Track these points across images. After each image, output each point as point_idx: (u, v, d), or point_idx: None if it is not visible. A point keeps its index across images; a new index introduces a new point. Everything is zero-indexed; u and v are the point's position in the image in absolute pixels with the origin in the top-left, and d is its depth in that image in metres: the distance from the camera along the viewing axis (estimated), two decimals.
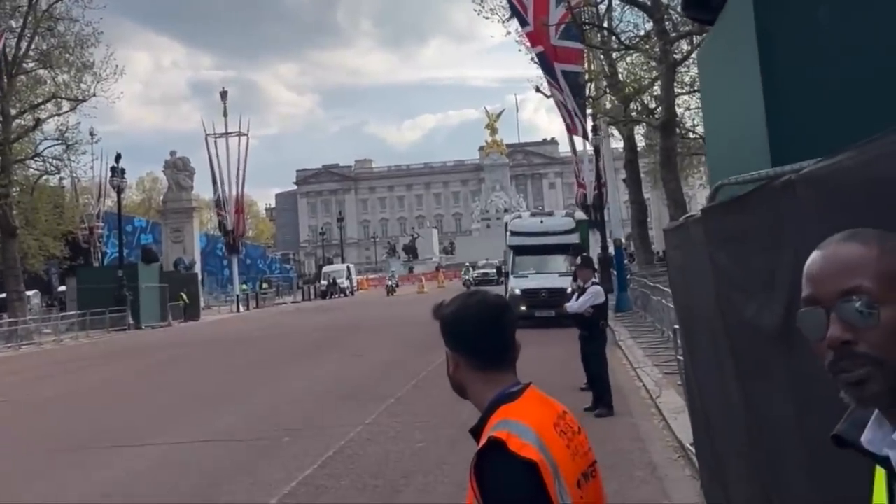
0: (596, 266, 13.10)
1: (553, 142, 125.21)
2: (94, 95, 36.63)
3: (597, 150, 32.39)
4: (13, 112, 35.45)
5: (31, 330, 32.25)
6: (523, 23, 25.81)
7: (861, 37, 3.09)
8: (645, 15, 26.33)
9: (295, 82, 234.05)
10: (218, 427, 10.76)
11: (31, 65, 36.70)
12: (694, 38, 23.11)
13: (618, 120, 31.98)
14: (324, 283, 64.43)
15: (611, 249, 29.65)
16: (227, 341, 26.45)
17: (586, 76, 28.27)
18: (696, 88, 26.45)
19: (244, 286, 55.69)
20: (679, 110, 29.15)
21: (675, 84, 26.05)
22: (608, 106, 32.41)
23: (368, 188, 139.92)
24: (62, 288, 44.63)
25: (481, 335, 1.90)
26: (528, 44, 28.08)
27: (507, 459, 1.70)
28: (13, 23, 35.64)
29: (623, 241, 33.95)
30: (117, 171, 38.70)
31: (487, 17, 33.82)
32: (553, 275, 22.32)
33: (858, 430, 1.19)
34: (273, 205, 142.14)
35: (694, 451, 6.14)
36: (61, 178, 43.55)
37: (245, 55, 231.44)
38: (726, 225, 3.20)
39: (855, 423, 1.20)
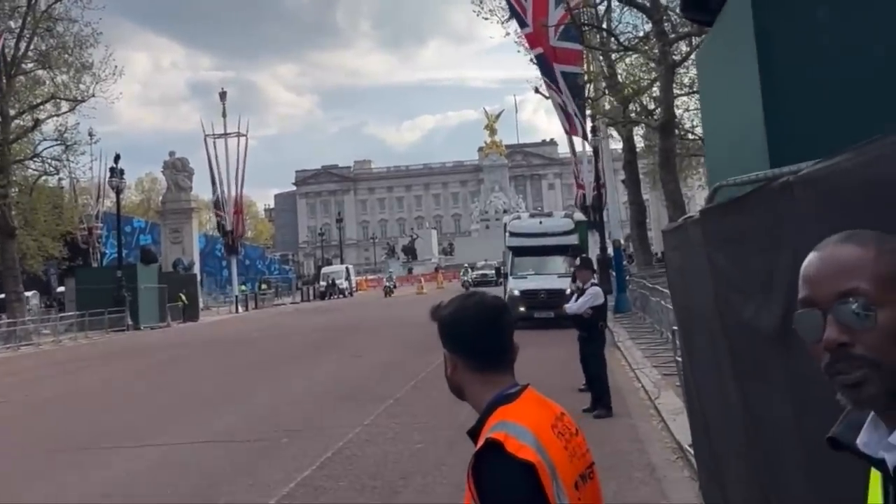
0: (595, 267, 13.09)
1: (552, 143, 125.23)
2: (93, 96, 36.68)
3: (596, 152, 32.38)
4: (12, 113, 35.41)
5: (29, 331, 32.21)
6: (522, 24, 25.81)
7: (860, 38, 3.09)
8: (644, 16, 26.34)
9: (294, 83, 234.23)
10: (217, 428, 10.76)
11: (30, 65, 36.67)
12: (693, 40, 23.11)
13: (617, 121, 31.97)
14: (323, 283, 64.41)
15: (610, 250, 29.67)
16: (226, 342, 26.44)
17: (585, 77, 28.27)
18: (695, 89, 26.46)
19: (243, 287, 55.69)
20: (678, 111, 29.16)
21: (674, 85, 26.07)
22: (607, 107, 32.42)
23: (367, 189, 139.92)
24: (61, 288, 44.60)
25: (479, 337, 1.90)
26: (528, 45, 28.08)
27: (504, 461, 1.70)
28: (12, 23, 35.65)
29: (622, 242, 33.96)
30: (116, 172, 38.68)
31: (486, 18, 33.82)
32: (552, 276, 22.32)
33: (854, 432, 1.18)
34: (272, 205, 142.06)
35: (692, 452, 6.14)
36: (60, 179, 43.54)
37: (244, 56, 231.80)
38: (725, 226, 3.20)
39: (851, 426, 1.20)
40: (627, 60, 31.66)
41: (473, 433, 1.86)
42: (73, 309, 35.99)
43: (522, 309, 21.12)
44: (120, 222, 42.06)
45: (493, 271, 54.27)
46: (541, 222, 26.15)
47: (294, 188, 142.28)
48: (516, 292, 22.65)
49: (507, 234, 25.92)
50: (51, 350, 28.74)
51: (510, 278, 24.61)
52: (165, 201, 59.60)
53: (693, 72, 24.58)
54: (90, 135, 41.76)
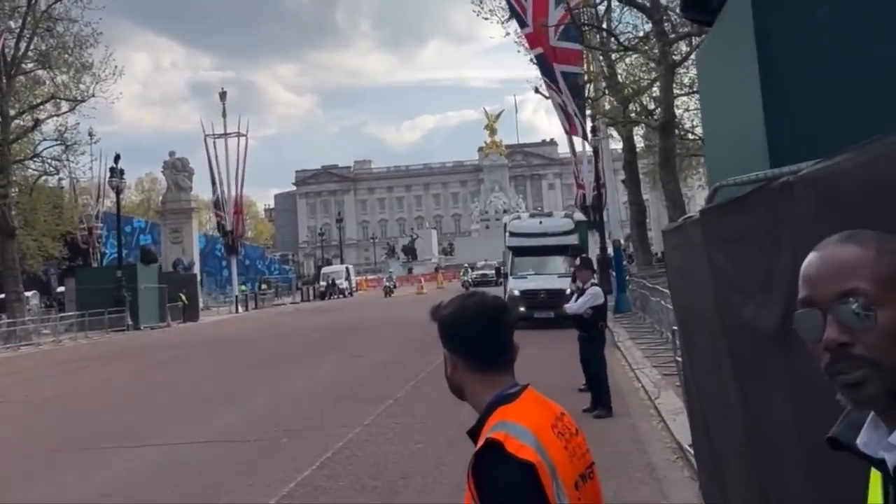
0: (595, 267, 13.09)
1: (552, 143, 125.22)
2: (93, 96, 36.67)
3: (596, 152, 32.38)
4: (12, 113, 35.42)
5: (29, 331, 32.21)
6: (522, 24, 25.81)
7: (860, 38, 3.09)
8: (644, 16, 26.34)
9: (294, 83, 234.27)
10: (217, 428, 10.77)
11: (30, 65, 36.66)
12: (693, 40, 23.11)
13: (617, 121, 31.97)
14: (323, 283, 64.41)
15: (610, 250, 29.67)
16: (226, 342, 26.44)
17: (585, 77, 28.28)
18: (695, 89, 26.46)
19: (243, 287, 55.68)
20: (678, 111, 29.16)
21: (674, 85, 26.07)
22: (607, 107, 32.41)
23: (367, 189, 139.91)
24: (61, 288, 44.61)
25: (479, 337, 1.90)
26: (528, 45, 28.08)
27: (504, 461, 1.70)
28: (12, 23, 35.65)
29: (622, 242, 33.95)
30: (116, 172, 38.68)
31: (486, 18, 33.79)
32: (552, 276, 22.32)
33: (854, 432, 1.18)
34: (272, 205, 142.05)
35: (692, 452, 6.14)
36: (60, 179, 43.54)
37: (244, 56, 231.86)
38: (725, 226, 3.20)
39: (850, 426, 1.20)
40: (627, 60, 31.66)
41: (473, 433, 1.86)
42: (73, 309, 36.00)
43: (522, 309, 21.11)
44: (120, 222, 42.06)
45: (493, 271, 54.25)
46: (541, 222, 26.15)
47: (294, 188, 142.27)
48: (516, 292, 22.64)
49: (507, 234, 25.92)
50: (51, 350, 28.74)
51: (510, 278, 24.61)
52: (165, 201, 59.59)
53: (693, 72, 24.58)
54: (90, 135, 41.84)
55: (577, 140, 35.16)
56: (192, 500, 7.38)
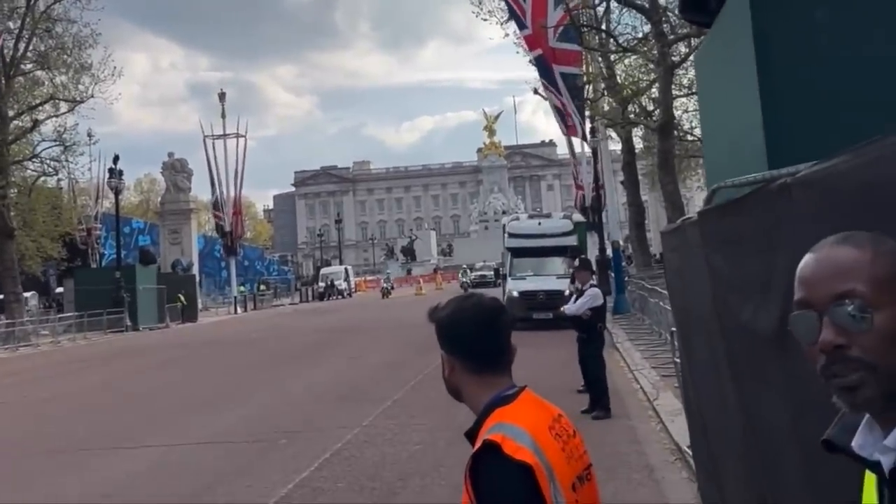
0: (594, 268, 13.10)
1: (551, 144, 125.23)
2: (92, 97, 36.60)
3: (595, 153, 32.38)
4: (11, 113, 35.38)
5: (28, 331, 32.19)
6: (521, 26, 25.83)
7: (858, 39, 3.09)
8: (643, 17, 26.34)
9: (293, 84, 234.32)
10: (216, 428, 10.76)
11: (29, 66, 36.59)
12: (692, 41, 23.11)
13: (616, 122, 31.93)
14: (321, 284, 64.39)
15: (609, 252, 29.65)
16: (225, 343, 26.44)
17: (584, 78, 28.28)
18: (693, 91, 26.44)
19: (242, 288, 55.67)
20: (677, 112, 29.16)
21: (673, 86, 26.08)
22: (606, 108, 32.38)
23: (366, 190, 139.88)
24: (60, 289, 44.61)
25: (477, 338, 1.90)
26: (527, 46, 28.08)
27: (501, 462, 1.70)
28: (11, 24, 35.63)
29: (621, 243, 33.91)
30: (115, 173, 38.64)
31: (486, 19, 33.71)
32: (551, 277, 22.32)
33: (849, 434, 1.18)
34: (271, 206, 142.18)
35: (691, 453, 6.13)
36: (59, 180, 43.45)
37: (243, 56, 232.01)
38: (723, 227, 3.20)
39: (845, 428, 1.19)
40: (626, 62, 31.62)
41: (471, 435, 1.86)
42: (72, 310, 35.98)
43: (521, 310, 21.11)
44: (119, 223, 41.99)
45: (492, 272, 54.18)
46: (539, 223, 26.17)
47: (293, 189, 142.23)
48: (515, 293, 22.64)
49: (506, 235, 25.90)
50: (49, 351, 28.71)
51: (509, 279, 24.61)
52: (164, 202, 59.52)
53: (692, 73, 24.57)
54: (89, 135, 41.83)
55: (576, 141, 35.20)
56: (191, 500, 7.39)
